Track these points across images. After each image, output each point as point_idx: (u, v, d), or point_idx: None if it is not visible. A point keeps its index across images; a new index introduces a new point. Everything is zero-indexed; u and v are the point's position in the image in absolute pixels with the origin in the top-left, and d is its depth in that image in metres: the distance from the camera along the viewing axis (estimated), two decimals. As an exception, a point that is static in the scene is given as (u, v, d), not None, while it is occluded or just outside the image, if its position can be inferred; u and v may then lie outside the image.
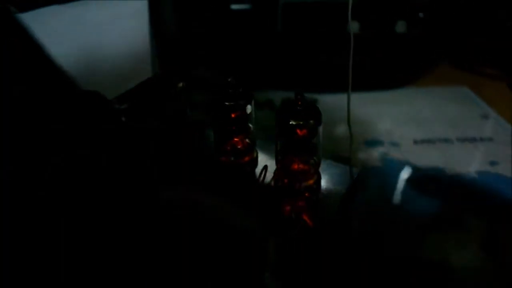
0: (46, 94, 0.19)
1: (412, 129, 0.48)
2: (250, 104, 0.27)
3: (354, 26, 0.56)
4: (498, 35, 0.62)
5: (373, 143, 0.46)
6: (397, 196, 0.38)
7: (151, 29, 0.44)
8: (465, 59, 0.65)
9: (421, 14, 0.59)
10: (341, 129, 0.49)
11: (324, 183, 0.27)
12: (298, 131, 0.24)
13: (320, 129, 0.25)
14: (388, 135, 0.47)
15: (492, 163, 0.42)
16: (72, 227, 0.21)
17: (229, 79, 0.26)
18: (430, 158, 0.43)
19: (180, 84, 0.29)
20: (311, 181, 0.26)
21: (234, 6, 0.55)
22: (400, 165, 0.42)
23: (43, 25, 0.49)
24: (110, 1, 0.48)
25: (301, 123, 0.24)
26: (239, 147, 0.28)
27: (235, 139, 0.28)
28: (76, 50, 0.42)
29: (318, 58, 0.60)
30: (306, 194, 0.26)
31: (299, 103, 0.24)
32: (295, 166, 0.26)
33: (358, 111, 0.53)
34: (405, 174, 0.41)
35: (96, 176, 0.20)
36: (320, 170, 0.28)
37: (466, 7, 0.62)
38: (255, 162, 0.28)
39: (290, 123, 0.24)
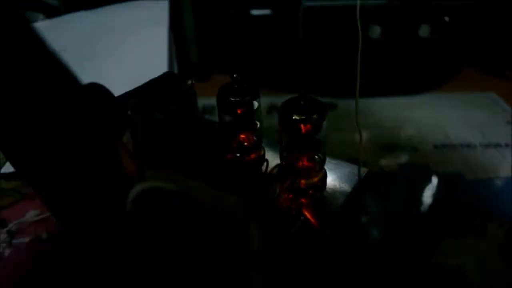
0: (47, 93, 0.19)
1: (434, 134, 0.47)
2: (256, 100, 0.27)
3: (375, 31, 0.55)
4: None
5: (393, 147, 0.45)
6: (413, 201, 0.37)
7: (170, 31, 0.45)
8: (493, 64, 0.63)
9: (446, 18, 0.58)
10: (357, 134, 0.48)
11: (330, 181, 0.27)
12: (302, 126, 0.24)
13: (325, 124, 0.25)
14: (408, 140, 0.46)
15: (517, 170, 0.40)
16: (73, 228, 0.21)
17: (234, 75, 0.26)
18: (450, 163, 0.41)
19: (189, 82, 0.29)
20: (315, 179, 0.26)
21: (255, 12, 0.56)
22: (418, 170, 0.41)
23: (68, 30, 0.52)
24: (133, 5, 0.50)
25: (304, 117, 0.24)
26: (245, 144, 0.28)
27: (241, 136, 0.28)
28: (98, 53, 0.43)
29: (338, 63, 0.60)
30: (310, 192, 0.26)
31: (303, 98, 0.24)
32: (300, 163, 0.26)
33: (379, 116, 0.52)
34: (422, 179, 0.39)
35: (96, 176, 0.20)
36: (327, 168, 0.27)
37: (492, 11, 0.60)
38: (262, 159, 0.28)
39: (294, 118, 0.24)
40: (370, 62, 0.60)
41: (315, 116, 0.24)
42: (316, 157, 0.25)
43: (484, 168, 0.41)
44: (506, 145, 0.44)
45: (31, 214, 0.37)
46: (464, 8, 0.58)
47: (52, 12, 0.54)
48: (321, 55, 0.59)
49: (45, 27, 0.55)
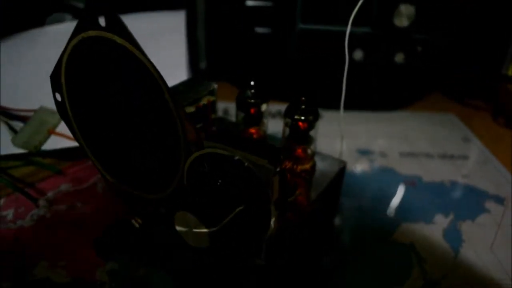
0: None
1: (400, 145, 0.56)
2: (265, 103, 0.36)
3: (358, 54, 0.65)
4: (487, 74, 0.71)
5: (365, 152, 0.54)
6: (377, 193, 0.46)
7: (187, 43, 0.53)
8: (456, 90, 0.74)
9: (419, 48, 0.68)
10: (338, 140, 0.57)
11: (317, 168, 0.36)
12: (300, 124, 0.33)
13: (317, 124, 0.33)
14: (378, 147, 0.55)
15: (464, 176, 0.50)
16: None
17: (251, 82, 0.34)
18: (412, 168, 0.51)
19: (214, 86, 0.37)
20: (307, 165, 0.34)
21: (257, 29, 0.65)
22: (384, 171, 0.50)
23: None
24: (153, 15, 0.58)
25: (302, 118, 0.32)
26: (254, 136, 0.37)
27: (252, 130, 0.37)
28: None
29: (326, 79, 0.69)
30: (303, 175, 0.34)
31: (303, 103, 0.32)
32: (296, 152, 0.34)
33: (355, 126, 0.61)
34: (387, 177, 0.49)
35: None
36: (316, 159, 0.36)
37: (458, 45, 0.71)
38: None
39: (295, 117, 0.32)
40: (351, 81, 0.69)
41: (311, 117, 0.32)
42: (309, 149, 0.34)
43: (438, 173, 0.50)
44: (458, 157, 0.54)
45: (65, 187, 0.44)
46: (434, 40, 0.68)
47: (79, 14, 0.61)
48: (312, 72, 0.68)
49: (72, 27, 0.61)
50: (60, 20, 0.61)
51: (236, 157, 0.23)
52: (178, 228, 0.23)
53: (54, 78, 0.30)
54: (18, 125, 0.46)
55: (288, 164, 0.31)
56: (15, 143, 0.44)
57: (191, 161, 0.25)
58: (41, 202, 0.41)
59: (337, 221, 0.42)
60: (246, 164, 0.23)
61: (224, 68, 0.66)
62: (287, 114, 0.33)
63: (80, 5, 0.63)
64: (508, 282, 0.36)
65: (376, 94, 0.68)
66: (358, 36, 0.65)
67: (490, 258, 0.38)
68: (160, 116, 0.25)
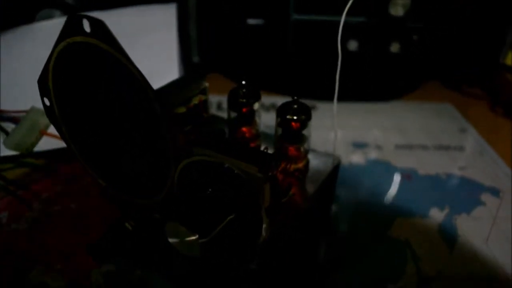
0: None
1: (395, 136, 0.56)
2: (257, 102, 0.35)
3: (353, 44, 0.64)
4: (484, 62, 0.70)
5: (360, 145, 0.53)
6: (373, 187, 0.46)
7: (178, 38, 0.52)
8: (453, 79, 0.73)
9: (415, 37, 0.67)
10: (333, 132, 0.57)
11: (311, 166, 0.35)
12: (293, 124, 0.32)
13: (310, 123, 0.33)
14: (373, 139, 0.55)
15: (460, 168, 0.50)
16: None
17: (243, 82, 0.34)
18: (407, 160, 0.51)
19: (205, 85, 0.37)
20: (301, 164, 0.34)
21: (250, 21, 0.64)
22: (380, 164, 0.50)
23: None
24: (143, 9, 0.57)
25: (295, 118, 0.32)
26: (246, 135, 0.36)
27: (244, 129, 0.36)
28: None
29: (321, 70, 0.68)
30: (296, 174, 0.34)
31: (295, 103, 0.32)
32: (289, 152, 0.34)
33: (350, 118, 0.61)
34: (382, 170, 0.48)
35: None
36: (310, 157, 0.36)
37: (455, 34, 0.70)
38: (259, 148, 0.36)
39: (287, 117, 0.32)
40: (346, 72, 0.69)
41: (303, 116, 0.32)
42: (302, 148, 0.34)
43: (434, 165, 0.50)
44: (455, 148, 0.54)
45: (59, 188, 0.44)
46: (430, 29, 0.67)
47: (68, 10, 0.60)
48: (307, 63, 0.67)
49: (61, 23, 0.60)
50: (50, 16, 0.59)
51: (226, 165, 0.23)
52: (170, 239, 0.23)
53: (42, 82, 0.30)
54: (9, 126, 0.45)
55: (281, 164, 0.30)
56: (6, 145, 0.43)
57: (181, 168, 0.25)
58: (35, 204, 0.41)
59: (332, 217, 0.42)
60: (236, 171, 0.22)
61: (217, 61, 0.66)
62: (279, 114, 0.32)
63: (70, 1, 0.62)
64: (504, 275, 0.36)
65: (372, 84, 0.68)
66: (353, 25, 0.64)
67: (486, 252, 0.38)
68: (147, 122, 0.25)
